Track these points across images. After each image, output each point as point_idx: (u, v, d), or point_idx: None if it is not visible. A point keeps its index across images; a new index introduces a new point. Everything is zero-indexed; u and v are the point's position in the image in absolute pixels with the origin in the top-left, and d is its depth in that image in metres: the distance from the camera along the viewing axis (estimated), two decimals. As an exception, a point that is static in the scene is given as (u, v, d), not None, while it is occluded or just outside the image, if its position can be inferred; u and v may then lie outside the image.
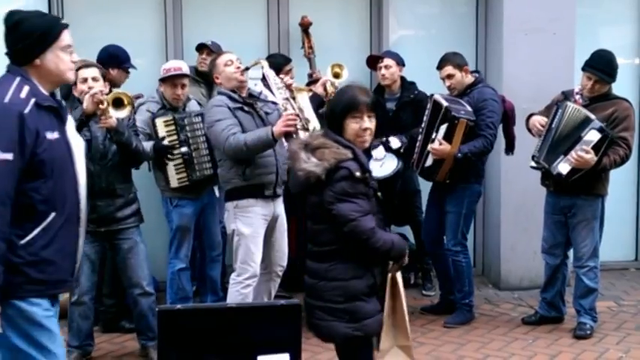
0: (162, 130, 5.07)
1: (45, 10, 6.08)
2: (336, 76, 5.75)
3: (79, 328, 4.67)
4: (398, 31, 6.73)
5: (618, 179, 6.88)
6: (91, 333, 4.77)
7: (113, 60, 5.39)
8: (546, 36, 6.22)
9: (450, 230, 5.43)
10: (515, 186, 6.17)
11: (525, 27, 6.21)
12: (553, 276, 5.39)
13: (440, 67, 5.41)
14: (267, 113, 4.77)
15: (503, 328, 5.43)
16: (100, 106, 4.36)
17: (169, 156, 5.07)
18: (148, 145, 4.96)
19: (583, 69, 5.09)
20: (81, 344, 4.70)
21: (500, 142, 5.63)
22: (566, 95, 5.19)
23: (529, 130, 5.28)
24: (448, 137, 5.14)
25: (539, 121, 5.17)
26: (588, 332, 5.19)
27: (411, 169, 5.66)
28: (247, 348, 3.86)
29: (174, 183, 5.13)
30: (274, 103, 4.83)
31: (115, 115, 4.46)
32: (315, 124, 4.78)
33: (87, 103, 4.37)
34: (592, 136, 4.85)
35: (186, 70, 5.21)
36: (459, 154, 5.14)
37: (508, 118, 5.45)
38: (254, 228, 4.65)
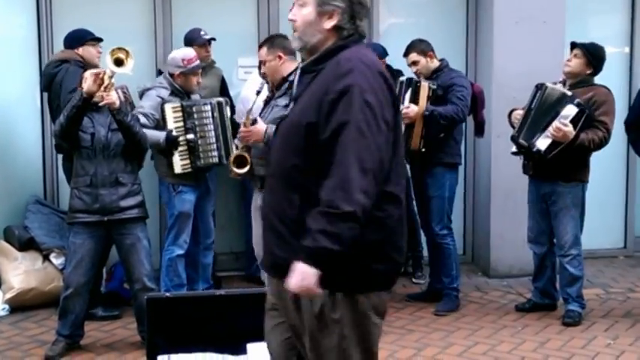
0: (170, 116, 5.12)
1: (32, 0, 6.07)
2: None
3: (71, 318, 4.65)
4: (388, 20, 6.72)
5: (607, 167, 6.93)
6: (82, 323, 4.76)
7: (71, 42, 5.38)
8: (536, 24, 6.22)
9: (435, 215, 5.47)
10: (505, 174, 6.17)
11: (515, 15, 6.21)
12: (542, 264, 5.41)
13: (405, 54, 5.54)
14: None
15: (493, 315, 5.44)
16: (101, 86, 4.41)
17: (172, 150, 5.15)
18: (161, 136, 5.07)
19: (573, 46, 5.15)
20: (71, 333, 4.69)
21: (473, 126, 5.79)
22: None
23: (512, 125, 5.31)
24: (414, 101, 5.28)
25: (518, 112, 5.22)
26: (577, 320, 5.21)
27: None
28: (236, 335, 3.88)
29: (177, 169, 5.16)
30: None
31: (121, 71, 4.48)
32: None
33: (89, 82, 4.38)
34: (569, 110, 4.91)
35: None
36: (426, 112, 5.24)
37: (477, 101, 5.54)
38: None
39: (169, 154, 5.16)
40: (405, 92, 5.34)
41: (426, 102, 5.27)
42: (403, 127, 5.31)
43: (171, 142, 5.09)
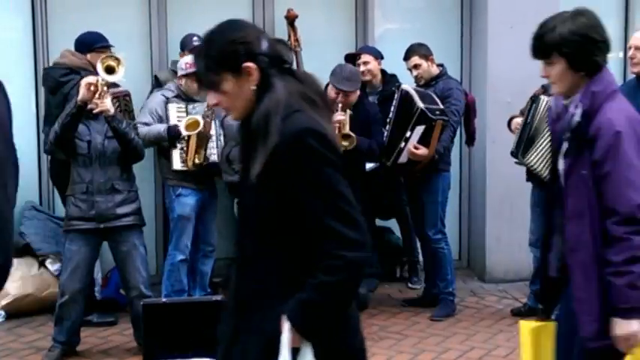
0: (173, 115, 5.21)
1: (28, 3, 6.05)
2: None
3: (67, 325, 4.66)
4: (383, 24, 6.73)
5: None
6: (78, 329, 4.76)
7: (80, 46, 5.37)
8: (531, 29, 6.12)
9: (429, 220, 5.50)
10: (500, 178, 6.19)
11: (510, 20, 6.22)
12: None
13: (406, 57, 5.55)
14: None
15: (488, 320, 5.46)
16: (96, 93, 4.46)
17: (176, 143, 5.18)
18: (162, 128, 5.13)
19: None
20: (67, 340, 4.69)
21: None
22: (546, 88, 5.22)
23: (512, 132, 5.34)
24: (424, 138, 5.26)
25: (517, 122, 5.25)
26: (572, 324, 5.22)
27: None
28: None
29: (176, 165, 5.18)
30: None
31: (112, 79, 4.58)
32: None
33: (83, 91, 4.44)
34: None
35: None
36: (436, 156, 5.31)
37: (470, 111, 5.61)
38: None
39: (170, 148, 5.18)
40: (415, 125, 5.23)
41: (437, 141, 5.26)
42: (406, 158, 5.32)
43: (174, 135, 5.12)
